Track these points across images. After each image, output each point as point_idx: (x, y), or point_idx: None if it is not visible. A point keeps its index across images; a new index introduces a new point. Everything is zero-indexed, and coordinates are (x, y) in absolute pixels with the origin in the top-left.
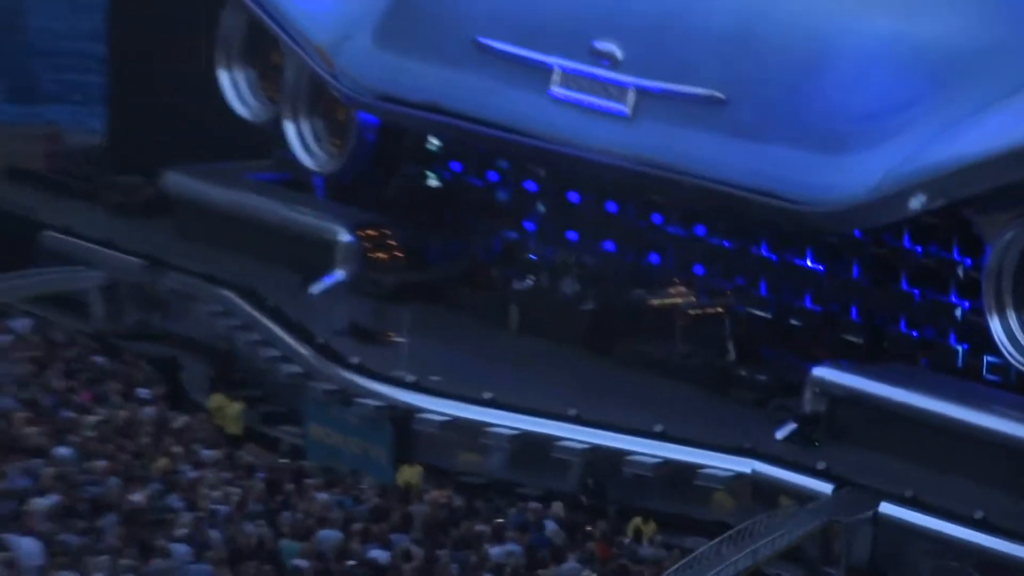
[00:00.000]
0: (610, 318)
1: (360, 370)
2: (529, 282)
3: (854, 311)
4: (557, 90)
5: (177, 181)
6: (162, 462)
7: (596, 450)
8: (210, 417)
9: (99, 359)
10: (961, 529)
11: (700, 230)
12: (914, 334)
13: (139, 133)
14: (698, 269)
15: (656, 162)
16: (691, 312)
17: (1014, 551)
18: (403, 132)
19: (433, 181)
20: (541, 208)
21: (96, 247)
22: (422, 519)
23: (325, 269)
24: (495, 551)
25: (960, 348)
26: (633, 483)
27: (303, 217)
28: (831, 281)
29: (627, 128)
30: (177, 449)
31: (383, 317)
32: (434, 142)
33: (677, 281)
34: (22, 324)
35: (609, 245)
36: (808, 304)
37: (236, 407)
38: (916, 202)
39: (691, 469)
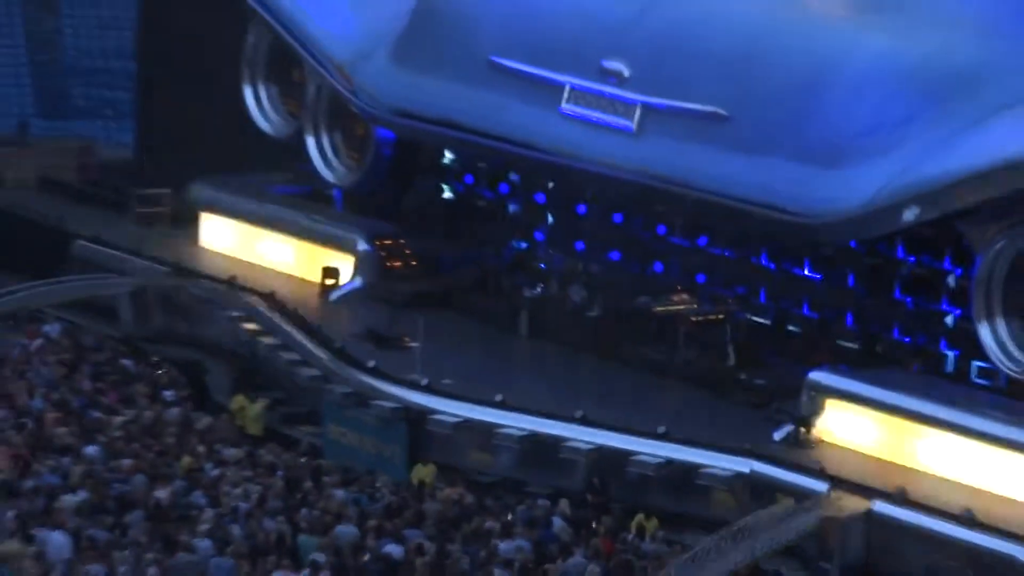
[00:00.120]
0: (616, 324)
1: (376, 373)
2: (538, 289)
3: (849, 318)
4: (567, 106)
5: (202, 193)
6: (186, 460)
7: (601, 450)
8: (232, 418)
9: (126, 362)
10: (951, 527)
11: (702, 240)
12: (907, 340)
13: (167, 147)
14: (700, 277)
15: (661, 175)
16: (693, 318)
17: (1004, 548)
18: (419, 147)
19: (447, 193)
20: (550, 219)
21: (125, 255)
22: (435, 515)
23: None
24: (504, 546)
25: (951, 353)
26: (637, 482)
27: (323, 227)
28: (828, 289)
29: (633, 143)
30: (200, 448)
31: (398, 323)
32: (448, 156)
33: (680, 289)
34: (53, 329)
35: (615, 254)
36: (806, 311)
37: (257, 408)
38: (909, 214)
39: (692, 468)
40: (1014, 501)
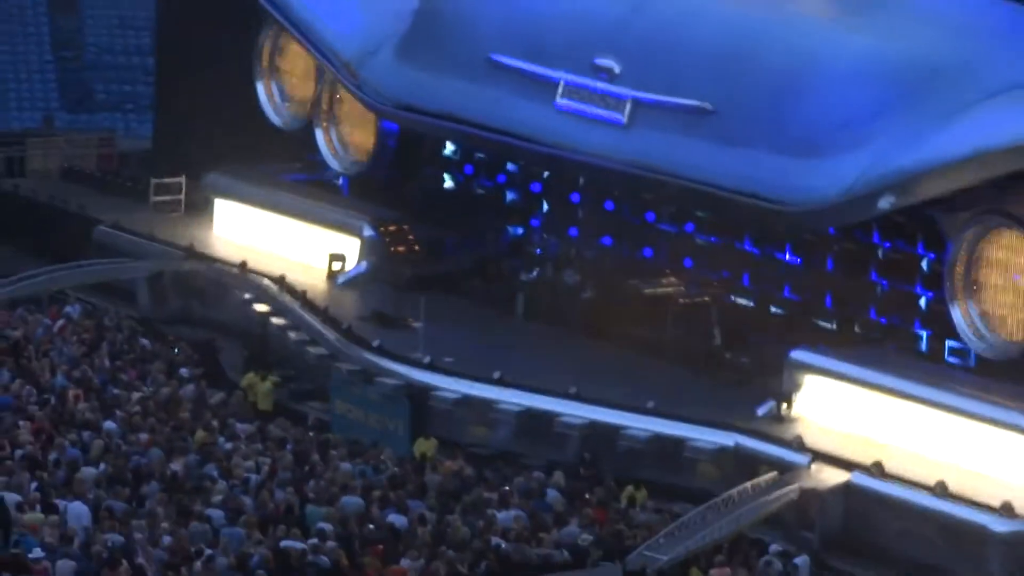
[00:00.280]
0: (607, 306)
1: (381, 352)
2: (534, 273)
3: (828, 300)
4: (561, 101)
5: (217, 181)
6: (200, 435)
7: (594, 425)
8: (244, 395)
9: (144, 341)
10: (925, 498)
11: (689, 227)
12: (883, 321)
13: (183, 138)
14: (687, 262)
15: (650, 166)
16: (681, 301)
17: (974, 518)
18: (421, 138)
19: (448, 183)
20: (545, 207)
21: (142, 240)
22: (436, 487)
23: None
24: (502, 516)
25: (924, 333)
26: (627, 455)
27: (332, 214)
28: (807, 273)
29: (624, 135)
30: (214, 423)
31: (402, 304)
32: (449, 148)
33: (668, 272)
34: (75, 310)
35: (607, 240)
36: (787, 294)
37: (267, 385)
38: (884, 202)
39: (680, 442)
40: (984, 473)
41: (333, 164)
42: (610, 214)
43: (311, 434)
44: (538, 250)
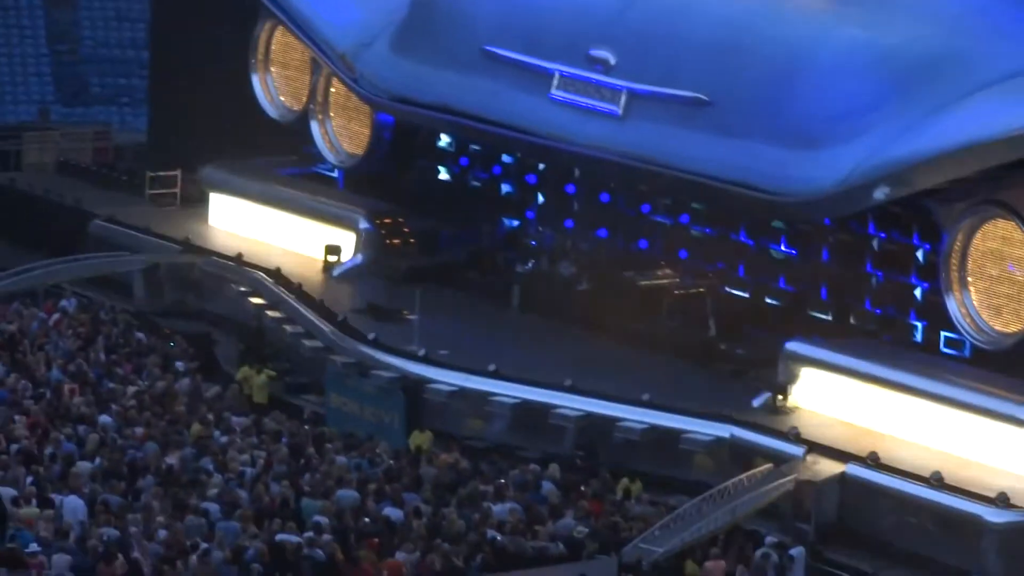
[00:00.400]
0: (602, 298)
1: (376, 345)
2: (529, 265)
3: (824, 291)
4: (557, 92)
5: (212, 174)
6: (196, 429)
7: (589, 417)
8: (240, 388)
9: (140, 335)
10: (920, 489)
11: (684, 218)
12: (878, 312)
13: (178, 131)
14: (683, 253)
15: (645, 157)
16: (676, 292)
17: (970, 508)
18: (417, 130)
19: (444, 175)
20: (541, 198)
21: (138, 234)
22: (431, 480)
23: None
24: (497, 508)
25: (920, 324)
26: (622, 447)
27: (326, 207)
28: (803, 264)
29: (619, 127)
30: (209, 416)
31: (397, 297)
32: (445, 140)
33: (663, 264)
34: (70, 303)
35: (602, 232)
36: (782, 285)
37: (262, 378)
38: (879, 193)
39: (675, 434)
40: (979, 464)
41: (329, 157)
42: (605, 206)
43: (306, 427)
44: (533, 242)
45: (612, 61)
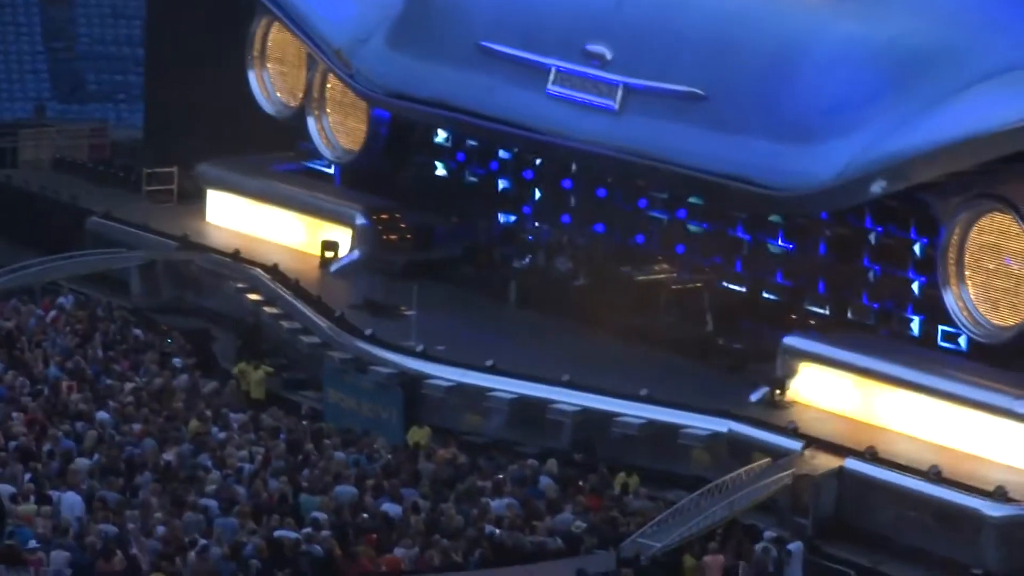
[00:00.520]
0: (600, 293)
1: (373, 340)
2: (526, 260)
3: (821, 285)
4: (553, 88)
5: (209, 171)
6: (193, 425)
7: (587, 412)
8: (237, 383)
9: (137, 332)
10: (919, 483)
11: (681, 213)
12: (875, 306)
13: (174, 128)
14: (679, 248)
15: (642, 152)
16: (673, 287)
17: (968, 503)
18: (413, 126)
19: (440, 170)
20: (537, 194)
21: (135, 231)
22: (430, 475)
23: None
24: (495, 504)
25: (917, 318)
26: (620, 442)
27: (323, 203)
28: (800, 258)
29: (616, 121)
30: (207, 413)
31: (394, 293)
32: (441, 135)
33: (660, 259)
34: (67, 300)
35: (599, 227)
36: (779, 279)
37: (259, 374)
38: (876, 187)
39: (673, 429)
40: (977, 458)
41: (325, 153)
42: (602, 201)
43: (304, 423)
44: (530, 237)
45: (608, 56)
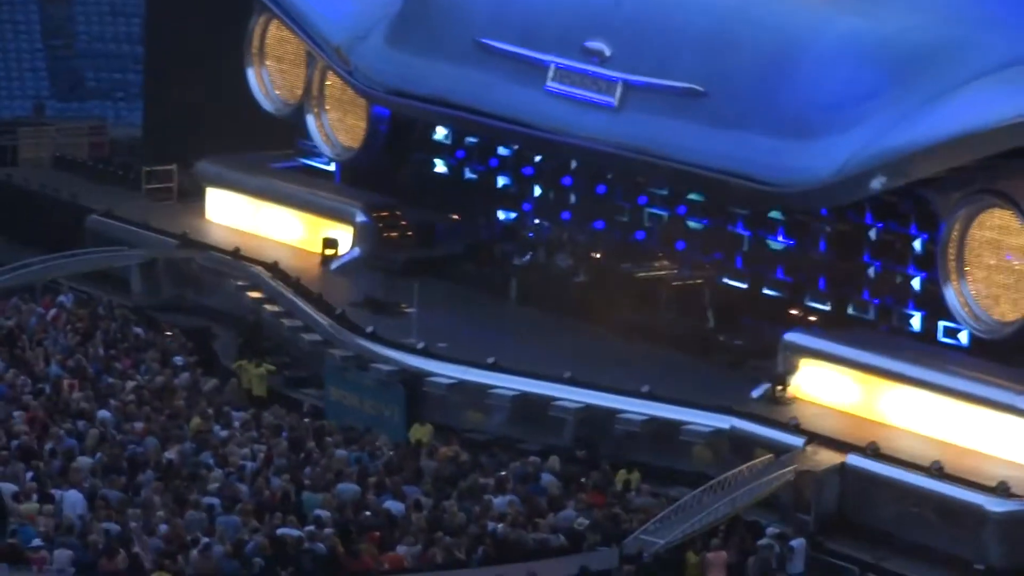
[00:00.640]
0: (600, 289)
1: (374, 338)
2: (527, 257)
3: (822, 281)
4: (552, 84)
5: (209, 169)
6: (195, 423)
7: (589, 409)
8: (239, 381)
9: (138, 330)
10: (921, 479)
11: (681, 209)
12: (876, 301)
13: (173, 126)
14: (680, 245)
15: (641, 149)
16: (674, 283)
17: (970, 498)
18: (413, 123)
19: (440, 167)
20: (537, 191)
21: (135, 229)
22: (432, 473)
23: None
24: (498, 501)
25: (918, 314)
26: (623, 438)
27: (323, 200)
28: (801, 254)
29: (615, 118)
30: (209, 411)
31: (395, 290)
32: (441, 132)
33: (661, 256)
34: (68, 299)
35: (599, 224)
36: (780, 275)
37: (260, 371)
38: (876, 183)
39: (675, 425)
40: (979, 453)
41: (325, 150)
42: (602, 197)
43: (306, 421)
44: (531, 234)
45: (607, 53)
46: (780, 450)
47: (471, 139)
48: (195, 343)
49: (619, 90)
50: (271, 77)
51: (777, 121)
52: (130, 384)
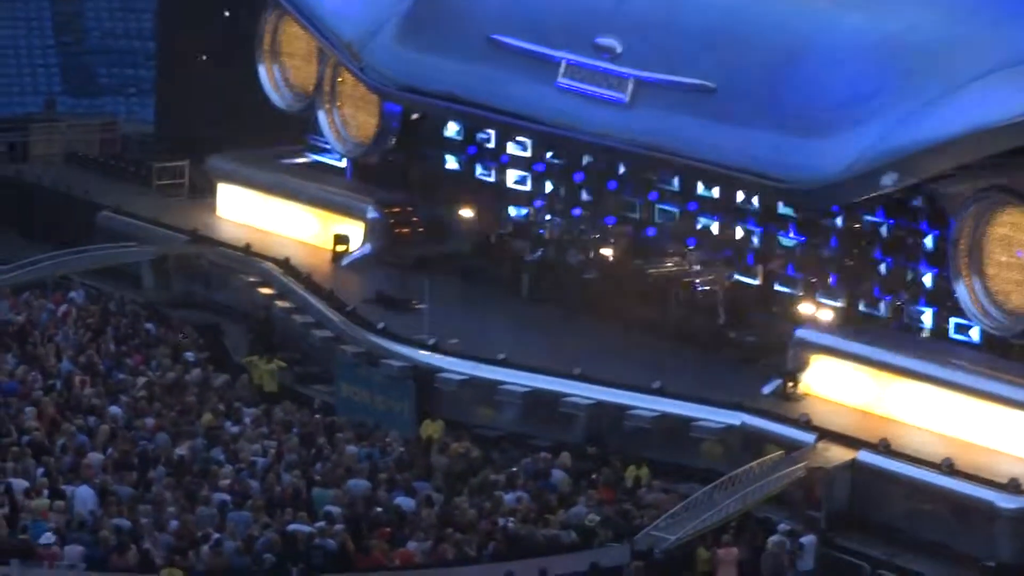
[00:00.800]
0: (611, 286)
1: (385, 334)
2: (538, 254)
3: (833, 278)
4: (563, 81)
5: (220, 165)
6: (206, 419)
7: (600, 405)
8: (250, 378)
9: (149, 326)
10: (932, 475)
11: (692, 206)
12: (887, 298)
13: (186, 122)
14: (691, 241)
15: (652, 145)
16: (685, 280)
17: (981, 495)
18: (424, 119)
19: (451, 163)
20: (549, 187)
21: (146, 225)
22: (443, 469)
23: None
24: (508, 497)
25: (929, 310)
26: (633, 435)
27: (335, 196)
28: (812, 251)
29: (626, 114)
30: (220, 407)
31: (406, 286)
32: (452, 128)
33: (672, 252)
34: (79, 295)
35: (610, 220)
36: (791, 272)
37: (271, 367)
38: (887, 180)
39: (686, 422)
40: (990, 450)
41: (336, 146)
42: (613, 194)
43: (317, 417)
44: (542, 231)
45: (618, 49)
46: (791, 447)
47: (482, 135)
48: (206, 339)
49: (630, 86)
50: (282, 73)
51: (788, 118)
52: (141, 380)
